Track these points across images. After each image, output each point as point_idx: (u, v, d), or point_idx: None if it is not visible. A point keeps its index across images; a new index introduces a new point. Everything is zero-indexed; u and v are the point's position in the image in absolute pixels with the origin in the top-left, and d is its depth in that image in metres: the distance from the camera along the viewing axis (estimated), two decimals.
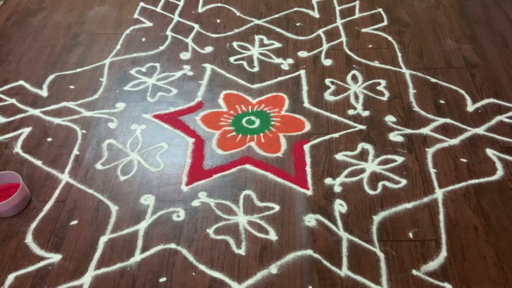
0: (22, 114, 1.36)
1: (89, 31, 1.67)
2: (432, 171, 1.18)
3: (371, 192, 1.14)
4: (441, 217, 1.08)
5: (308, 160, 1.22)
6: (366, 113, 1.33)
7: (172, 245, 1.05)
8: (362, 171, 1.18)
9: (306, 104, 1.37)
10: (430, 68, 1.46)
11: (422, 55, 1.51)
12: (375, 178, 1.17)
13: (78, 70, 1.51)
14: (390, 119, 1.31)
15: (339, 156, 1.22)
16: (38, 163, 1.23)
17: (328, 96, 1.39)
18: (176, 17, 1.71)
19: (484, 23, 1.62)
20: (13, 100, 1.40)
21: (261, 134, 1.29)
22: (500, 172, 1.17)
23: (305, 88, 1.42)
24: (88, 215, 1.11)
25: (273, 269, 1.00)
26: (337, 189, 1.15)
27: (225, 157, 1.23)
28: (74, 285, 0.99)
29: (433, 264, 1.00)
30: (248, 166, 1.21)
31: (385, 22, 1.65)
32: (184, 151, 1.25)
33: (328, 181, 1.16)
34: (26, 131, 1.31)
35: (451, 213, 1.09)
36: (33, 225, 1.10)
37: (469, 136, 1.26)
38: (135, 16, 1.73)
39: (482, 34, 1.57)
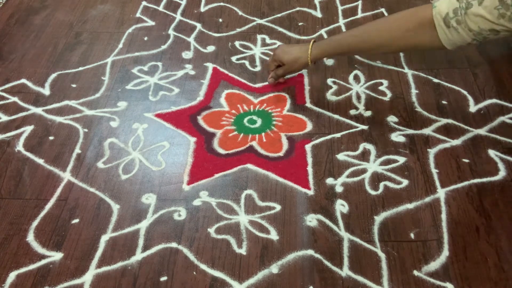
0: (24, 112, 1.37)
1: (91, 29, 1.67)
2: (434, 171, 1.18)
3: (373, 193, 1.14)
4: (443, 216, 1.08)
5: (309, 160, 1.21)
6: (368, 113, 1.33)
7: (173, 244, 1.05)
8: (363, 171, 1.18)
9: (308, 104, 1.37)
10: (433, 68, 1.46)
11: (424, 55, 1.51)
12: (376, 178, 1.17)
13: (80, 68, 1.51)
14: (392, 119, 1.31)
15: (341, 156, 1.22)
16: (40, 161, 1.23)
17: (330, 96, 1.38)
18: (178, 16, 1.71)
19: None
20: (15, 99, 1.41)
21: (263, 134, 1.29)
22: (502, 173, 1.16)
23: (307, 88, 1.41)
24: (90, 214, 1.11)
25: (274, 269, 1.00)
26: (339, 189, 1.15)
27: (226, 157, 1.23)
28: (75, 283, 0.99)
29: (434, 264, 1.00)
30: (249, 166, 1.20)
31: None
32: (186, 150, 1.25)
33: (329, 181, 1.16)
34: (28, 129, 1.32)
35: (454, 211, 1.09)
36: (35, 223, 1.10)
37: (471, 137, 1.26)
38: (137, 15, 1.73)
39: None
